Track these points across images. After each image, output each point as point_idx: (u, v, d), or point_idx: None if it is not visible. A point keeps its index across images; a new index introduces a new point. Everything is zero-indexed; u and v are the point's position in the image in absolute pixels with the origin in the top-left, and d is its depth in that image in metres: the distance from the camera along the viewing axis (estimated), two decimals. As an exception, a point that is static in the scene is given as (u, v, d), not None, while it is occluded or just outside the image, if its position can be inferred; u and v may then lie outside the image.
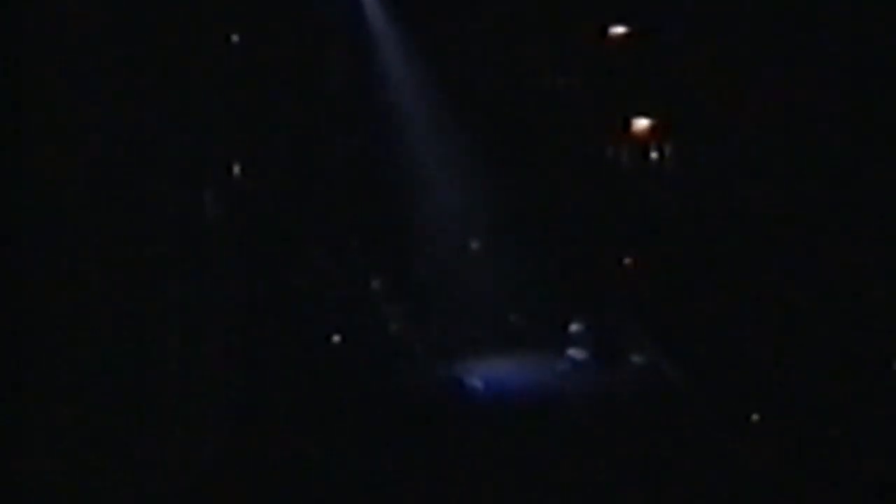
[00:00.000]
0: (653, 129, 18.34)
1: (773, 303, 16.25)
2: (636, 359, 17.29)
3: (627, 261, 18.12)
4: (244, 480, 14.62)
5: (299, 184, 17.49)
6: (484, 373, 16.90)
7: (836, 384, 15.30)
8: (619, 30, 18.19)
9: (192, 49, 16.37)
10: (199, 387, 15.40)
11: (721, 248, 16.97)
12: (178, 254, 15.87)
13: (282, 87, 17.41)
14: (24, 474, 13.62)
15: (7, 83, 14.26)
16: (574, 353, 17.55)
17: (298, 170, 17.52)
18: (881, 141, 16.18)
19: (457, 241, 18.07)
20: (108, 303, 14.96)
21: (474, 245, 18.35)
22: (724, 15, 17.15)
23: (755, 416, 15.54)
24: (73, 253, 14.78)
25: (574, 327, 17.72)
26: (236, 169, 17.42)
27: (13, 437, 13.78)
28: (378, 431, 15.42)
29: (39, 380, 14.16)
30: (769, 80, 16.81)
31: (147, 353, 15.10)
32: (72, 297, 14.67)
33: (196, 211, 16.71)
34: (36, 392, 14.11)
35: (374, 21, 17.70)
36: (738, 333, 16.23)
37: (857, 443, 14.55)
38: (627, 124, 18.42)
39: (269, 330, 16.65)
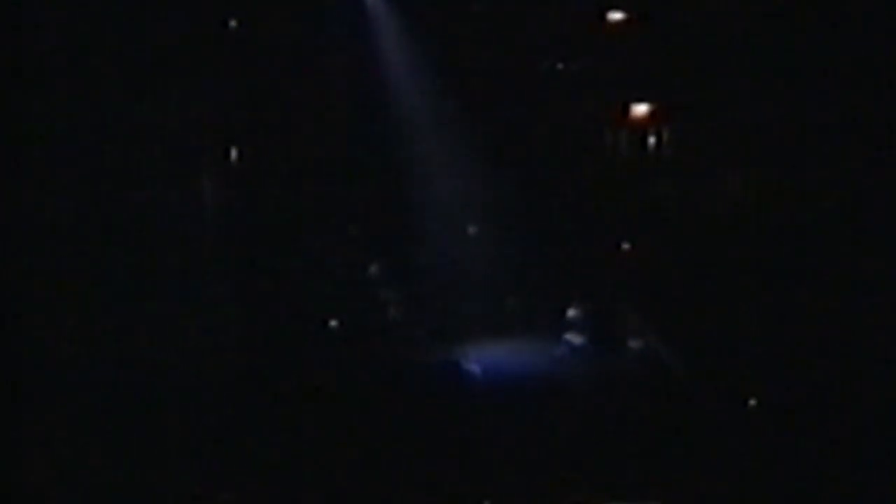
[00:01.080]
0: (651, 115, 18.32)
1: (770, 288, 16.25)
2: (634, 344, 17.28)
3: (625, 246, 18.12)
4: (243, 465, 14.63)
5: (297, 169, 17.48)
6: (481, 357, 16.91)
7: (833, 369, 15.30)
8: (617, 15, 18.17)
9: (189, 35, 16.37)
10: (198, 372, 15.42)
11: (718, 234, 16.96)
12: (175, 239, 15.89)
13: (280, 72, 17.41)
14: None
15: (3, 71, 14.29)
16: (571, 337, 17.55)
17: (296, 155, 17.52)
18: (881, 129, 16.17)
19: (455, 225, 18.06)
20: (106, 288, 14.99)
21: (472, 230, 18.33)
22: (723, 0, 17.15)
23: (752, 401, 15.54)
24: (71, 240, 14.80)
25: (572, 312, 17.71)
26: (233, 154, 17.43)
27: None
28: (376, 415, 15.42)
29: (38, 373, 14.18)
30: (768, 65, 16.78)
31: (145, 338, 15.12)
32: (70, 284, 14.69)
33: (193, 196, 16.72)
34: (34, 387, 14.13)
35: (373, 6, 17.68)
36: (736, 319, 16.22)
37: (854, 427, 14.56)
38: (626, 110, 18.40)
39: (268, 314, 16.66)
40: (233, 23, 17.36)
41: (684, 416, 15.49)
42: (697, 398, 15.74)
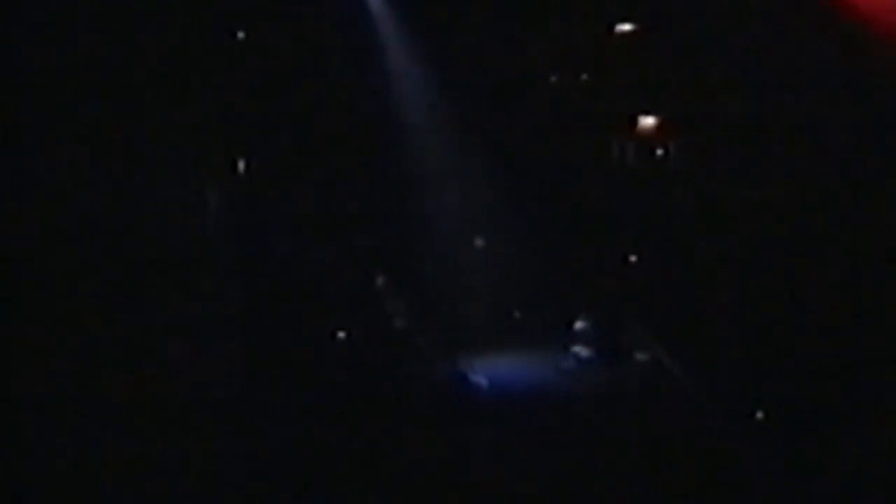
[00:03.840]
0: (659, 128, 18.32)
1: (777, 300, 16.22)
2: (640, 356, 17.25)
3: (632, 258, 18.10)
4: (247, 477, 14.62)
5: (304, 181, 17.49)
6: (488, 369, 16.89)
7: (841, 382, 15.26)
8: (625, 27, 18.18)
9: (197, 46, 16.39)
10: (203, 384, 15.41)
11: (726, 246, 16.94)
12: (182, 250, 15.89)
13: (287, 83, 17.42)
14: (24, 474, 13.62)
15: (7, 78, 14.29)
16: (578, 350, 17.52)
17: (303, 166, 17.53)
18: (887, 140, 16.15)
19: (461, 237, 18.06)
20: (111, 300, 14.98)
21: (479, 242, 18.33)
22: (731, 12, 17.12)
23: (759, 414, 15.51)
24: (75, 250, 14.80)
25: (578, 324, 17.69)
26: (241, 166, 17.44)
27: (13, 437, 13.79)
28: (382, 428, 15.41)
29: (38, 379, 14.17)
30: (777, 77, 16.77)
31: (150, 350, 15.11)
32: (74, 295, 14.69)
33: (200, 208, 16.73)
34: (35, 392, 14.12)
35: (380, 18, 17.70)
36: (743, 331, 16.19)
37: (861, 440, 14.52)
38: (633, 122, 18.40)
39: (275, 326, 16.65)
40: (240, 34, 17.40)
41: (691, 428, 15.46)
42: (704, 411, 15.71)
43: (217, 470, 14.56)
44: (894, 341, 15.34)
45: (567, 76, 18.53)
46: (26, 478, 13.62)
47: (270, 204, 17.34)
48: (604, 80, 18.29)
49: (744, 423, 15.45)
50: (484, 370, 16.87)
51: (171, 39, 15.98)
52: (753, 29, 16.93)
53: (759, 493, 14.20)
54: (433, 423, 15.59)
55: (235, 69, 17.16)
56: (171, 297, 15.62)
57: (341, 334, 17.17)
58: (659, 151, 18.37)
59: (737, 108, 17.11)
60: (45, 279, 14.48)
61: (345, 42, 17.74)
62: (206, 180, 16.96)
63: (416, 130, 17.78)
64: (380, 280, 17.80)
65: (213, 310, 16.09)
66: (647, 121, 18.35)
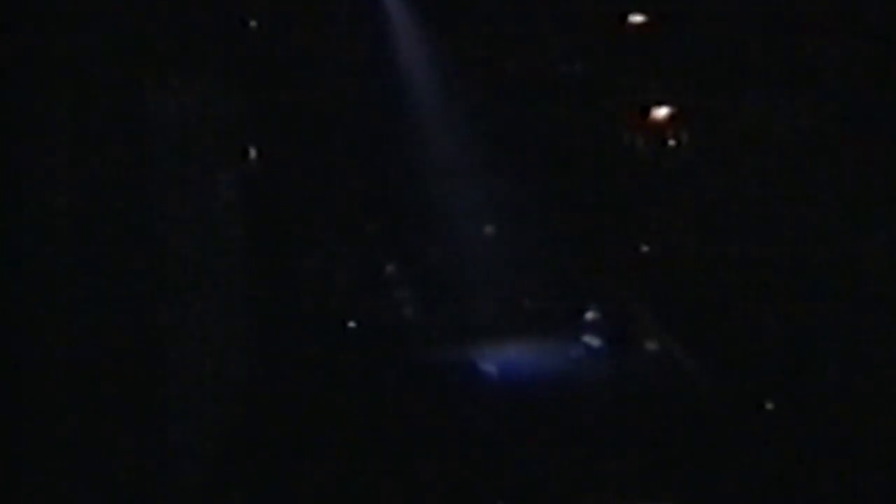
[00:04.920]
0: (671, 118, 18.28)
1: (788, 291, 16.21)
2: (650, 346, 17.25)
3: (643, 248, 18.08)
4: (257, 465, 14.65)
5: (315, 168, 17.50)
6: (498, 358, 16.89)
7: (851, 373, 15.25)
8: (638, 17, 18.15)
9: (209, 33, 16.41)
10: (211, 371, 15.43)
11: (737, 237, 16.92)
12: (192, 237, 15.91)
13: (298, 71, 17.43)
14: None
15: (15, 60, 14.31)
16: (588, 339, 17.51)
17: (314, 154, 17.53)
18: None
19: (471, 225, 18.04)
20: (118, 287, 14.99)
21: (489, 230, 18.31)
22: (745, 3, 17.09)
23: (769, 404, 15.51)
24: (83, 237, 14.82)
25: (589, 313, 17.68)
26: (252, 153, 17.45)
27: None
28: (391, 415, 15.44)
29: (43, 368, 14.20)
30: (790, 69, 16.74)
31: (157, 337, 15.13)
32: (82, 282, 14.71)
33: (212, 195, 16.73)
34: (39, 382, 14.14)
35: (391, 6, 17.71)
36: (753, 321, 16.18)
37: (872, 431, 14.52)
38: (645, 112, 18.37)
39: (284, 314, 16.66)
40: (253, 22, 17.41)
41: (701, 418, 15.47)
42: (714, 401, 15.71)
43: (225, 459, 14.62)
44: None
45: (578, 66, 18.50)
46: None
47: (281, 191, 17.34)
48: (616, 69, 18.25)
49: (753, 414, 15.46)
50: (493, 359, 16.87)
51: (183, 26, 15.99)
52: (767, 19, 16.90)
53: (768, 483, 14.22)
54: (442, 412, 15.61)
55: (248, 57, 17.17)
56: (177, 282, 15.64)
57: (352, 323, 17.18)
58: (671, 142, 18.34)
59: (751, 100, 17.08)
60: (46, 275, 14.50)
61: (356, 29, 17.75)
62: (218, 167, 16.97)
63: (427, 119, 17.77)
64: (390, 268, 17.82)
65: (222, 297, 16.10)
66: (660, 111, 18.31)
